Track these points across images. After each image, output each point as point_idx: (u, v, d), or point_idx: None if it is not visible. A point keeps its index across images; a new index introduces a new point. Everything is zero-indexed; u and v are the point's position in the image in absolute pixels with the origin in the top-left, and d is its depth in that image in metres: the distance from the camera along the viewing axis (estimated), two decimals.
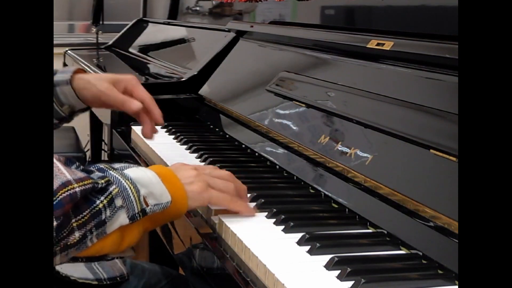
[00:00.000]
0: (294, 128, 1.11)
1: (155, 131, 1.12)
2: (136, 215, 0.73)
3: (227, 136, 1.33)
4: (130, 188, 0.72)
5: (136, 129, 1.37)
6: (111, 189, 0.71)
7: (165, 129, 1.38)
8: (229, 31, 1.71)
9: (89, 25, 3.25)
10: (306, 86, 1.19)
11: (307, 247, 0.74)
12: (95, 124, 2.69)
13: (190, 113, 1.52)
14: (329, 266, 0.69)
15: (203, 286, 0.83)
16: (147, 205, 0.74)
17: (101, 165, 0.75)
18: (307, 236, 0.76)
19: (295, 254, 0.73)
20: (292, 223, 0.80)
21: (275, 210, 0.84)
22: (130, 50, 2.55)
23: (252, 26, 1.61)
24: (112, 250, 0.73)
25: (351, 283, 0.65)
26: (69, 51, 2.64)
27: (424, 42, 0.97)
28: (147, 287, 1.05)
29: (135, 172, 0.75)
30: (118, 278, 1.01)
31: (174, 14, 2.49)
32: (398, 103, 0.94)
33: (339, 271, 0.67)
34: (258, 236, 0.78)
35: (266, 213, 0.85)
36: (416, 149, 0.83)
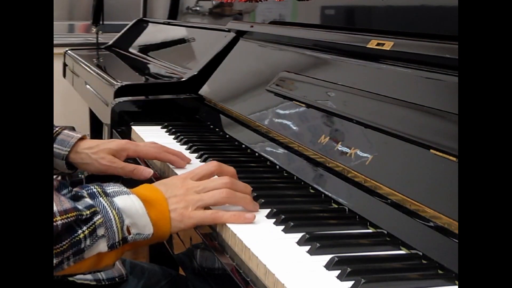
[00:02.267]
0: (294, 128, 1.11)
1: (186, 161, 1.11)
2: (116, 243, 0.76)
3: (227, 136, 1.33)
4: (115, 218, 0.76)
5: (136, 129, 1.37)
6: (95, 219, 0.75)
7: (165, 129, 1.38)
8: (229, 31, 1.71)
9: (89, 25, 3.25)
10: (306, 86, 1.19)
11: (307, 247, 0.74)
12: (95, 124, 2.69)
13: (190, 113, 1.52)
14: (329, 266, 0.69)
15: (203, 286, 0.83)
16: (129, 234, 0.77)
17: (94, 189, 0.78)
18: (307, 236, 0.76)
19: (295, 254, 0.73)
20: (292, 223, 0.80)
21: (275, 210, 0.84)
22: (130, 50, 2.55)
23: (252, 26, 1.61)
24: (88, 270, 0.78)
25: (351, 283, 0.65)
26: (69, 51, 2.63)
27: (424, 42, 0.97)
28: (146, 287, 1.05)
29: (124, 201, 0.78)
30: (117, 279, 1.00)
31: (174, 14, 2.49)
32: (398, 103, 0.93)
33: (339, 271, 0.67)
34: (258, 236, 0.78)
35: (266, 213, 0.85)
36: (416, 149, 0.83)
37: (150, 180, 1.05)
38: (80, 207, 0.74)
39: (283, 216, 0.82)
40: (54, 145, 1.08)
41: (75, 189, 0.80)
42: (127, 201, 0.78)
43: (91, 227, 0.74)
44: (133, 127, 1.39)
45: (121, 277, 1.01)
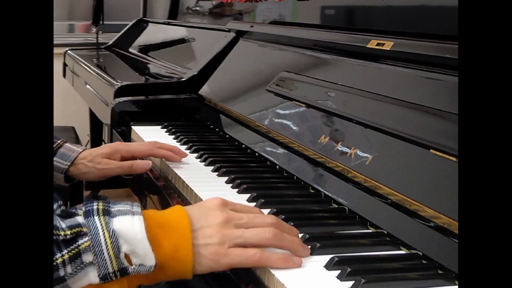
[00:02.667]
0: (294, 128, 1.11)
1: (182, 155, 1.11)
2: (110, 274, 0.64)
3: (227, 136, 1.33)
4: (107, 243, 0.63)
5: (136, 129, 1.37)
6: (80, 241, 0.63)
7: (165, 129, 1.38)
8: (229, 31, 1.71)
9: (89, 25, 3.25)
10: (306, 86, 1.19)
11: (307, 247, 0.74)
12: (95, 124, 2.69)
13: (190, 113, 1.53)
14: (329, 266, 0.69)
15: (203, 285, 0.83)
16: (131, 264, 0.64)
17: (95, 206, 0.67)
18: (307, 236, 0.75)
19: None
20: (292, 223, 0.80)
21: (275, 210, 0.84)
22: (130, 50, 2.55)
23: (252, 26, 1.61)
24: None
25: (351, 283, 0.65)
26: (69, 51, 2.64)
27: (424, 42, 0.97)
28: (146, 287, 1.05)
29: (123, 223, 0.65)
30: None
31: (174, 14, 2.49)
32: (398, 103, 0.93)
33: (339, 271, 0.67)
34: None
35: (266, 213, 0.84)
36: (416, 149, 0.83)
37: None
38: (61, 225, 0.63)
39: (283, 216, 0.82)
40: (55, 159, 1.08)
41: (77, 205, 0.68)
42: (126, 223, 0.65)
43: (73, 251, 0.62)
44: (133, 127, 1.39)
45: None
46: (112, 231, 0.64)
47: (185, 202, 0.97)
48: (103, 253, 0.63)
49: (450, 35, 0.93)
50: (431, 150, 0.81)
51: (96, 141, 2.75)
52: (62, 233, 0.63)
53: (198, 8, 2.33)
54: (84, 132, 2.75)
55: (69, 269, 0.62)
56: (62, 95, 2.82)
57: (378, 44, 1.05)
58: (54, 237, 0.62)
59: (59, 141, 1.11)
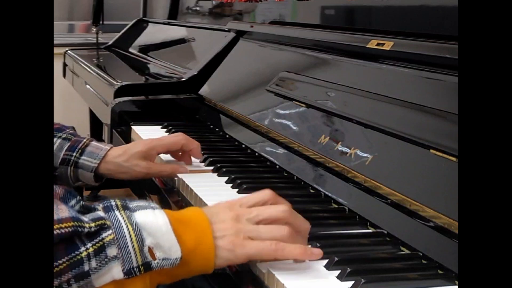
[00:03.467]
0: (294, 128, 1.11)
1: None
2: (135, 269, 0.61)
3: (227, 136, 1.33)
4: (131, 236, 0.61)
5: (136, 129, 1.37)
6: (104, 234, 0.61)
7: (165, 129, 1.38)
8: (229, 31, 1.71)
9: (89, 25, 3.25)
10: (306, 86, 1.19)
11: None
12: (95, 124, 2.69)
13: (190, 113, 1.52)
14: (329, 266, 0.69)
15: (202, 284, 0.83)
16: (154, 258, 0.62)
17: (113, 202, 0.65)
18: (307, 236, 0.75)
19: None
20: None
21: None
22: (130, 50, 2.55)
23: (252, 26, 1.61)
24: None
25: (351, 283, 0.65)
26: (69, 51, 2.64)
27: (424, 42, 0.97)
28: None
29: (145, 216, 0.64)
30: None
31: (174, 14, 2.49)
32: (398, 103, 0.93)
33: (339, 271, 0.67)
34: None
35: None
36: (416, 149, 0.83)
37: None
38: (84, 218, 0.62)
39: None
40: (83, 157, 1.05)
41: (94, 203, 0.67)
42: (149, 216, 0.64)
43: (97, 244, 0.60)
44: (133, 127, 1.39)
45: None
46: (135, 224, 0.62)
47: (185, 202, 0.97)
48: (128, 246, 0.61)
49: (450, 35, 0.93)
50: (431, 150, 0.81)
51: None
52: (86, 225, 0.61)
53: (198, 8, 2.33)
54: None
55: (93, 263, 0.60)
56: (62, 95, 2.82)
57: (378, 44, 1.06)
58: (78, 229, 0.60)
59: (84, 140, 1.08)
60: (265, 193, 0.73)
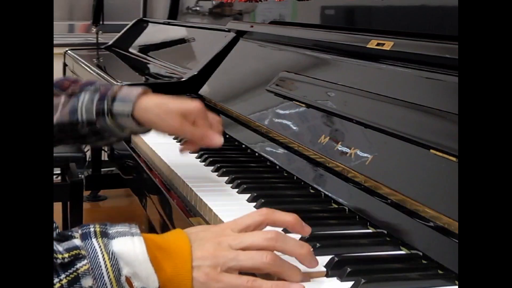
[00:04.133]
0: (294, 128, 1.11)
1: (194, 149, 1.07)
2: None
3: (227, 136, 1.33)
4: (107, 266, 0.60)
5: None
6: (78, 265, 0.60)
7: None
8: (229, 31, 1.71)
9: (89, 25, 3.25)
10: (306, 86, 1.19)
11: None
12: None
13: None
14: (329, 266, 0.69)
15: None
16: (132, 287, 0.61)
17: (92, 228, 0.64)
18: (307, 236, 0.75)
19: None
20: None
21: None
22: (130, 50, 2.55)
23: (252, 26, 1.61)
24: None
25: (351, 283, 0.65)
26: (69, 51, 2.64)
27: (424, 42, 0.97)
28: None
29: (123, 244, 0.62)
30: None
31: (174, 14, 2.49)
32: (398, 103, 0.93)
33: (339, 271, 0.67)
34: None
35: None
36: (416, 149, 0.83)
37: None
38: (58, 248, 0.60)
39: None
40: (116, 103, 0.98)
41: (73, 228, 0.65)
42: (127, 244, 0.62)
43: (71, 275, 0.59)
44: None
45: None
46: (112, 253, 0.61)
47: (184, 202, 0.97)
48: (103, 277, 0.60)
49: (450, 35, 0.93)
50: (431, 150, 0.81)
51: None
52: (59, 256, 0.60)
53: (198, 8, 2.34)
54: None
55: None
56: None
57: (378, 44, 1.06)
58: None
59: (114, 87, 1.01)
60: (260, 213, 0.69)
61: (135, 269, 0.61)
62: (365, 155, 0.90)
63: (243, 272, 0.64)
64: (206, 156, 1.13)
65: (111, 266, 0.60)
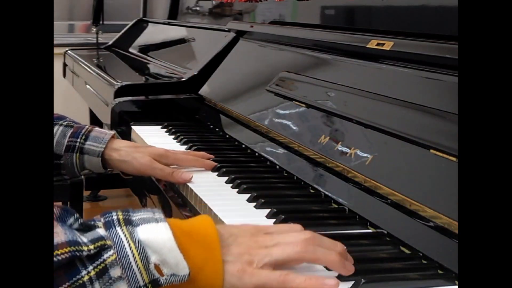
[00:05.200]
0: (294, 128, 1.11)
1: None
2: (142, 287, 0.59)
3: (227, 136, 1.33)
4: (134, 255, 0.59)
5: (136, 129, 1.37)
6: (105, 256, 0.59)
7: (165, 129, 1.38)
8: (229, 31, 1.71)
9: (89, 25, 3.25)
10: (306, 86, 1.19)
11: None
12: (95, 124, 2.68)
13: (190, 113, 1.52)
14: None
15: None
16: (162, 275, 0.60)
17: (115, 216, 0.62)
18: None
19: None
20: (292, 223, 0.79)
21: (275, 210, 0.84)
22: (130, 50, 2.55)
23: (252, 26, 1.61)
24: None
25: (351, 283, 0.65)
26: (69, 51, 2.64)
27: (424, 42, 0.97)
28: None
29: (148, 231, 0.61)
30: None
31: (174, 14, 2.49)
32: (398, 103, 0.93)
33: None
34: None
35: (266, 213, 0.85)
36: (416, 149, 0.83)
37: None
38: (82, 239, 0.59)
39: (283, 216, 0.82)
40: (88, 143, 1.04)
41: (94, 217, 0.64)
42: (153, 231, 0.60)
43: (99, 267, 0.58)
44: (133, 127, 1.39)
45: None
46: (138, 241, 0.60)
47: (185, 202, 0.97)
48: (132, 266, 0.59)
49: (450, 35, 0.93)
50: (431, 150, 0.81)
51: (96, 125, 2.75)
52: (85, 248, 0.58)
53: (198, 8, 2.34)
54: None
55: (97, 286, 0.58)
56: (62, 95, 2.83)
57: (378, 44, 1.06)
58: (78, 254, 0.57)
59: (87, 126, 1.07)
60: (300, 230, 0.70)
61: (164, 256, 0.60)
62: (365, 155, 0.90)
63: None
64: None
65: (138, 255, 0.59)
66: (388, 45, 1.03)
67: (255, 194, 0.91)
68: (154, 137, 1.29)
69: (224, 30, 1.75)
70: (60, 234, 0.58)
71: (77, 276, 0.57)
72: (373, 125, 0.94)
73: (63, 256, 0.56)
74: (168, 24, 2.46)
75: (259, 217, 0.84)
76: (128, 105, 1.49)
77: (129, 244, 0.59)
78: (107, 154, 1.05)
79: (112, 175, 1.35)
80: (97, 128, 1.09)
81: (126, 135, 1.40)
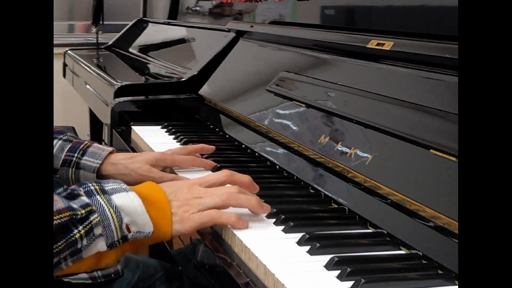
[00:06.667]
0: (294, 128, 1.11)
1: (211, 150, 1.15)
2: (115, 242, 0.75)
3: (227, 136, 1.33)
4: (112, 216, 0.75)
5: (136, 129, 1.37)
6: (91, 218, 0.73)
7: (165, 129, 1.38)
8: (229, 31, 1.71)
9: (89, 25, 3.25)
10: (306, 86, 1.19)
11: (307, 247, 0.74)
12: (95, 124, 2.69)
13: (190, 113, 1.52)
14: (329, 266, 0.69)
15: (201, 281, 0.83)
16: (129, 232, 0.76)
17: (92, 186, 0.77)
18: (307, 236, 0.76)
19: (295, 254, 0.73)
20: (292, 223, 0.80)
21: (275, 210, 0.84)
22: (130, 50, 2.55)
23: (252, 26, 1.61)
24: (88, 269, 0.78)
25: (351, 283, 0.65)
26: (69, 51, 2.63)
27: (424, 42, 0.97)
28: (142, 280, 1.04)
29: (122, 199, 0.77)
30: (112, 275, 0.99)
31: (174, 14, 2.49)
32: (398, 103, 0.94)
33: (339, 271, 0.67)
34: (258, 236, 0.78)
35: (266, 213, 0.85)
36: (416, 149, 0.83)
37: None
38: (75, 206, 0.73)
39: (283, 216, 0.82)
40: (85, 158, 1.06)
41: (72, 187, 0.79)
42: (126, 199, 0.77)
43: (87, 227, 0.73)
44: (133, 127, 1.39)
45: (117, 273, 1.00)
46: (115, 207, 0.75)
47: None
48: (111, 226, 0.74)
49: (450, 35, 0.93)
50: (431, 150, 0.81)
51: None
52: (79, 212, 0.73)
53: (198, 8, 2.33)
54: (84, 132, 2.75)
55: (84, 241, 0.73)
56: (62, 95, 2.82)
57: (378, 44, 1.06)
58: (73, 217, 0.72)
59: (86, 142, 1.09)
60: (223, 174, 0.87)
61: (134, 218, 0.76)
62: (365, 155, 0.90)
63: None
64: (206, 156, 1.13)
65: (116, 217, 0.75)
66: (388, 45, 1.03)
67: (255, 194, 0.91)
68: (154, 137, 1.29)
69: (224, 30, 1.75)
70: (59, 202, 0.72)
71: (71, 234, 0.72)
72: (373, 125, 0.94)
73: (64, 219, 0.71)
74: (168, 24, 2.46)
75: (259, 216, 0.84)
76: (128, 105, 1.49)
77: (109, 209, 0.75)
78: (105, 170, 1.06)
79: None
80: (95, 144, 1.10)
81: (126, 135, 1.40)
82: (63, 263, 0.72)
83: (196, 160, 1.09)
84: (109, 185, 0.79)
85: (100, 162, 1.06)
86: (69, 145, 1.08)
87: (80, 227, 0.72)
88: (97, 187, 0.77)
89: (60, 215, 0.70)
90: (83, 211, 0.73)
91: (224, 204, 0.82)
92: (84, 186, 0.78)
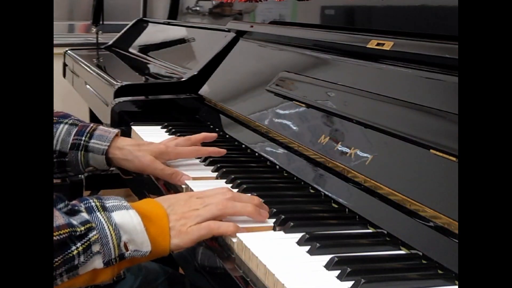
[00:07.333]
0: (294, 128, 1.11)
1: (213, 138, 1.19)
2: (112, 260, 0.74)
3: (227, 136, 1.33)
4: (111, 234, 0.74)
5: (136, 129, 1.37)
6: (90, 235, 0.73)
7: (165, 129, 1.38)
8: (229, 31, 1.71)
9: (89, 25, 3.25)
10: (306, 86, 1.19)
11: (307, 247, 0.74)
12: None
13: (190, 113, 1.52)
14: (329, 266, 0.69)
15: (203, 284, 0.83)
16: (127, 250, 0.75)
17: (93, 202, 0.76)
18: (307, 236, 0.76)
19: (295, 254, 0.73)
20: (292, 223, 0.80)
21: (275, 210, 0.84)
22: (130, 50, 2.55)
23: (252, 26, 1.61)
24: (83, 285, 0.75)
25: (351, 283, 0.65)
26: (69, 51, 2.63)
27: (424, 42, 0.97)
28: (144, 284, 1.05)
29: (122, 216, 0.76)
30: (114, 278, 1.00)
31: (174, 14, 2.49)
32: (398, 103, 0.94)
33: (339, 271, 0.67)
34: (258, 236, 0.78)
35: (264, 219, 0.84)
36: (416, 149, 0.83)
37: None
38: (74, 222, 0.73)
39: (283, 216, 0.82)
40: (93, 141, 1.08)
41: (73, 202, 0.78)
42: (125, 217, 0.76)
43: (85, 244, 0.72)
44: (133, 127, 1.39)
45: (119, 276, 1.01)
46: (115, 224, 0.75)
47: None
48: (109, 243, 0.74)
49: (450, 35, 0.93)
50: (431, 150, 0.81)
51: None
52: (78, 229, 0.72)
53: (198, 8, 2.33)
54: None
55: (82, 258, 0.72)
56: (62, 95, 2.82)
57: (378, 44, 1.06)
58: (72, 234, 0.71)
59: (91, 125, 1.10)
60: (223, 192, 0.85)
61: (132, 236, 0.76)
62: (365, 155, 0.90)
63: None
64: (206, 156, 1.13)
65: (115, 235, 0.74)
66: (388, 45, 1.03)
67: (255, 194, 0.91)
68: (154, 137, 1.29)
69: (224, 30, 1.74)
70: (59, 218, 0.71)
71: (69, 251, 0.71)
72: (373, 125, 0.94)
73: (63, 236, 0.70)
74: (168, 24, 2.46)
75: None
76: (128, 105, 1.49)
77: (108, 227, 0.74)
78: (110, 153, 1.08)
79: (112, 175, 1.36)
80: (101, 127, 1.11)
81: (126, 135, 1.39)
82: (59, 279, 0.71)
83: (200, 150, 1.10)
84: (109, 202, 0.78)
85: (108, 144, 1.08)
86: (76, 129, 1.09)
87: (78, 244, 0.72)
88: (97, 204, 0.77)
89: (59, 231, 0.70)
90: (82, 228, 0.73)
91: (221, 213, 0.81)
92: (85, 202, 0.77)
